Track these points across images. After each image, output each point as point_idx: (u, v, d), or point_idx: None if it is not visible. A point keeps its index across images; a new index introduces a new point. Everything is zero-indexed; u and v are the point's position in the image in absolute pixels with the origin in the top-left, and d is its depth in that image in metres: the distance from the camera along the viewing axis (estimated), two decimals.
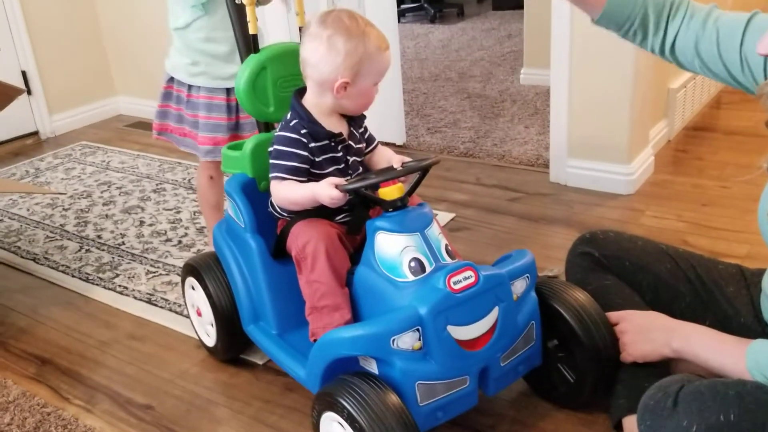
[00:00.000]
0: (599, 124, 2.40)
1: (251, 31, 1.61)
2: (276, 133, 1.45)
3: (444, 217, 2.36)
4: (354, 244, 1.46)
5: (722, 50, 1.22)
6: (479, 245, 2.19)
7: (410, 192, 1.38)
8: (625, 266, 1.49)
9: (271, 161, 1.43)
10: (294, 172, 1.40)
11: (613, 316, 1.38)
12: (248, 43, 1.65)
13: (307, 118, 1.42)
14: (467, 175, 2.69)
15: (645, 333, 1.31)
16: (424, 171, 1.40)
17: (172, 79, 1.97)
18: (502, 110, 3.40)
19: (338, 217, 1.46)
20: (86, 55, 3.68)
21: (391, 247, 1.30)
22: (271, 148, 1.44)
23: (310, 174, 1.42)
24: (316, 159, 1.42)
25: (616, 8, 1.29)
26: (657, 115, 2.71)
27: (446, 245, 1.35)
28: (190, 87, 1.93)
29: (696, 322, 1.32)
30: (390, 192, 1.33)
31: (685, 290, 1.43)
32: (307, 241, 1.38)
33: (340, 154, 1.45)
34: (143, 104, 3.74)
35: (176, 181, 2.82)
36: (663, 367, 1.31)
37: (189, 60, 1.89)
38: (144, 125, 3.64)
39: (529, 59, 3.78)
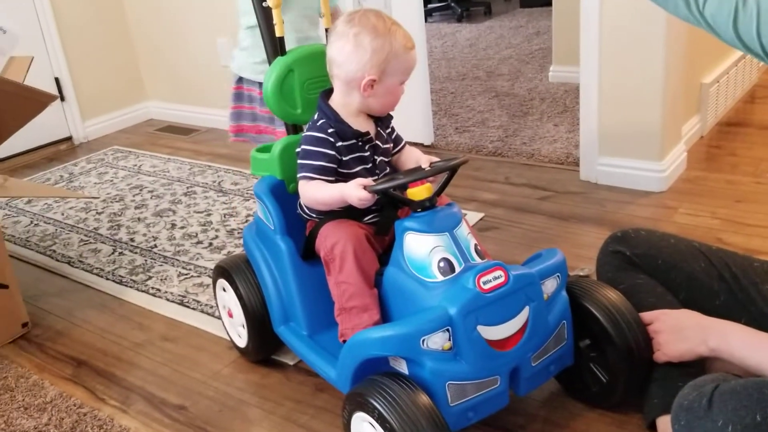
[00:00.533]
0: (630, 121, 2.37)
1: (278, 34, 1.62)
2: (303, 134, 1.46)
3: (473, 216, 2.35)
4: (383, 244, 1.47)
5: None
6: (509, 245, 2.18)
7: (439, 192, 1.38)
8: (657, 265, 1.47)
9: (298, 161, 1.44)
10: (322, 171, 1.41)
11: (646, 315, 1.36)
12: (275, 46, 1.66)
13: (334, 118, 1.42)
14: (496, 175, 2.67)
15: (679, 332, 1.29)
16: (453, 171, 1.40)
17: (240, 80, 2.01)
18: (530, 108, 3.37)
19: (367, 218, 1.46)
20: (117, 62, 3.74)
21: (420, 247, 1.30)
22: (298, 149, 1.45)
23: (337, 174, 1.43)
24: (344, 158, 1.42)
25: None
26: (689, 111, 2.67)
27: (475, 245, 1.35)
28: (260, 84, 1.96)
29: (731, 321, 1.30)
30: (418, 192, 1.33)
31: (720, 289, 1.40)
32: (336, 242, 1.38)
33: (367, 154, 1.45)
34: (173, 108, 3.80)
35: (206, 184, 2.85)
36: (697, 366, 1.29)
37: (259, 59, 1.91)
38: (174, 129, 3.69)
39: (558, 56, 3.75)
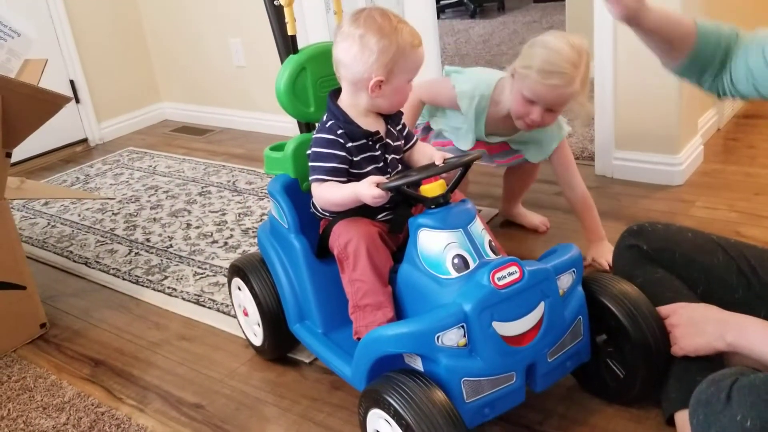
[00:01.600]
0: (646, 115, 2.34)
1: (290, 32, 1.62)
2: (313, 136, 1.45)
3: (488, 212, 2.34)
4: (397, 242, 1.46)
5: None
6: (524, 240, 2.17)
7: (452, 188, 1.37)
8: (674, 258, 1.45)
9: (310, 164, 1.43)
10: (333, 172, 1.40)
11: (663, 309, 1.34)
12: (287, 44, 1.66)
13: (343, 119, 1.42)
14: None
15: (697, 326, 1.28)
16: (466, 167, 1.39)
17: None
18: None
19: (380, 216, 1.46)
20: (132, 63, 3.76)
21: (434, 244, 1.29)
22: (309, 151, 1.45)
23: (349, 174, 1.42)
24: (354, 159, 1.42)
25: (703, 47, 1.31)
26: (706, 104, 2.64)
27: (489, 241, 1.34)
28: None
29: (751, 315, 1.28)
30: (432, 189, 1.32)
31: (738, 282, 1.39)
32: (349, 240, 1.38)
33: (378, 153, 1.44)
34: (187, 109, 3.81)
35: (221, 183, 2.86)
36: (715, 360, 1.28)
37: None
38: (188, 129, 3.70)
39: None
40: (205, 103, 3.73)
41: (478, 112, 1.89)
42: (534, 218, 2.21)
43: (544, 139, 1.95)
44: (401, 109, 1.52)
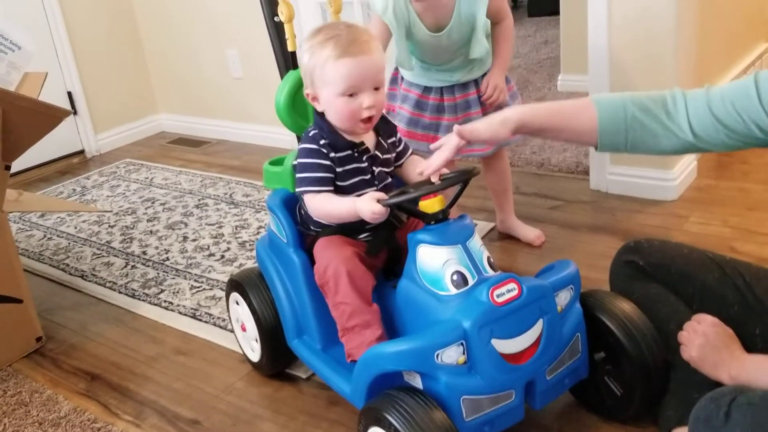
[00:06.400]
0: None
1: (290, 48, 1.64)
2: (299, 146, 1.46)
3: (484, 226, 2.35)
4: (381, 260, 1.47)
5: (742, 112, 1.21)
6: (520, 254, 2.18)
7: (451, 204, 1.38)
8: (670, 274, 1.46)
9: (297, 175, 1.43)
10: (321, 182, 1.40)
11: (697, 316, 1.31)
12: (287, 60, 1.68)
13: (327, 129, 1.42)
14: None
15: (717, 345, 1.26)
16: (465, 182, 1.40)
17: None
18: None
19: (361, 236, 1.46)
20: (129, 75, 3.77)
21: (433, 259, 1.30)
22: (295, 162, 1.45)
23: (334, 185, 1.42)
24: (338, 169, 1.42)
25: (607, 126, 1.30)
26: None
27: (488, 257, 1.35)
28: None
29: (745, 331, 1.29)
30: (431, 205, 1.33)
31: (733, 298, 1.39)
32: (327, 265, 1.39)
33: (364, 165, 1.44)
34: (184, 121, 3.82)
35: (218, 196, 2.86)
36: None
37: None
38: (185, 141, 3.71)
39: (566, 65, 3.75)
40: (202, 114, 3.73)
41: (400, 15, 1.87)
42: (529, 232, 2.23)
43: (472, 17, 1.91)
44: (393, 121, 1.54)
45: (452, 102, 2.02)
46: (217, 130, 3.66)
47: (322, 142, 1.41)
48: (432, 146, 1.41)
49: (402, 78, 2.08)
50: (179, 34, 3.61)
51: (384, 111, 2.14)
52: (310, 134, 1.44)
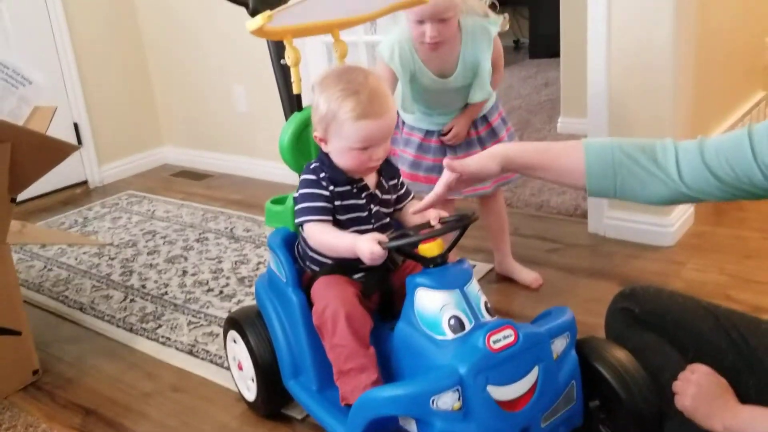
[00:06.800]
0: None
1: (295, 91, 1.66)
2: (300, 178, 1.48)
3: (482, 267, 2.36)
4: (375, 300, 1.48)
5: (735, 166, 1.22)
6: (518, 297, 2.19)
7: (450, 248, 1.39)
8: (665, 323, 1.47)
9: (297, 207, 1.45)
10: (321, 212, 1.42)
11: (691, 366, 1.32)
12: (292, 102, 1.71)
13: (328, 164, 1.45)
14: None
15: (710, 395, 1.26)
16: (464, 227, 1.42)
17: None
18: None
19: (356, 275, 1.48)
20: (136, 107, 3.81)
21: (431, 303, 1.31)
22: (295, 194, 1.47)
23: (334, 216, 1.44)
24: (336, 203, 1.44)
25: (595, 169, 1.30)
26: None
27: (485, 302, 1.36)
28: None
29: (738, 383, 1.29)
30: (430, 249, 1.35)
31: (728, 349, 1.40)
32: (326, 306, 1.40)
33: (362, 202, 1.46)
34: (188, 153, 3.86)
35: (219, 230, 2.88)
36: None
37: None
38: (188, 174, 3.74)
39: (566, 108, 3.80)
40: (206, 148, 3.77)
41: (405, 60, 1.91)
42: (527, 275, 2.24)
43: (476, 64, 1.96)
44: (396, 165, 1.57)
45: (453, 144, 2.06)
46: (220, 164, 3.70)
47: (322, 175, 1.45)
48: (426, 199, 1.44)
49: (403, 122, 2.11)
50: (188, 68, 3.67)
51: None
52: (311, 167, 1.47)
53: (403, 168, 2.07)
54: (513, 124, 3.89)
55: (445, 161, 1.38)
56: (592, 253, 2.42)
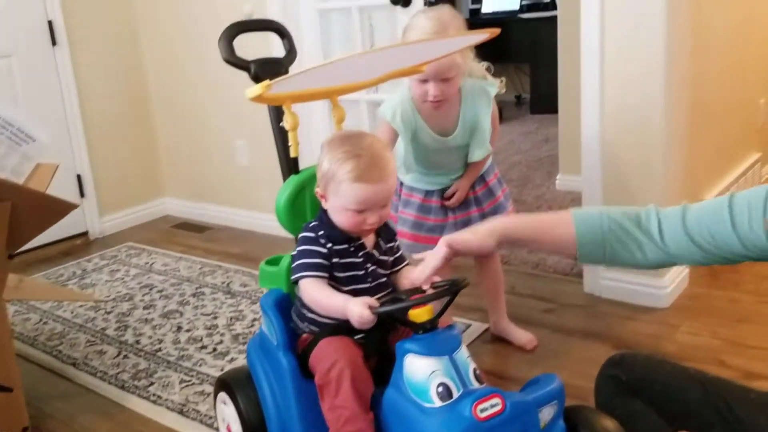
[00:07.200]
0: None
1: (292, 154, 1.70)
2: (298, 237, 1.50)
3: (478, 327, 2.36)
4: (373, 363, 1.48)
5: (716, 236, 1.25)
6: (512, 358, 2.18)
7: (440, 314, 1.40)
8: (653, 391, 1.47)
9: (293, 265, 1.47)
10: (318, 268, 1.44)
11: None
12: (290, 165, 1.73)
13: (326, 222, 1.48)
14: None
15: None
16: (455, 293, 1.43)
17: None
18: None
19: (357, 337, 1.48)
20: (139, 159, 3.86)
21: (420, 370, 1.31)
22: (293, 252, 1.49)
23: (331, 275, 1.46)
24: (333, 261, 1.46)
25: (585, 238, 1.35)
26: None
27: (474, 369, 1.36)
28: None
29: None
30: (420, 314, 1.35)
31: (715, 420, 1.40)
32: (332, 364, 1.39)
33: (360, 260, 1.48)
34: (189, 206, 3.89)
35: (215, 285, 2.89)
36: None
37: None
38: (188, 226, 3.77)
39: (564, 165, 3.84)
40: (207, 200, 3.81)
41: (407, 120, 1.96)
42: (521, 336, 2.24)
43: (475, 123, 2.00)
44: (394, 228, 1.59)
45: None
46: (221, 216, 3.73)
47: (320, 233, 1.47)
48: (415, 256, 1.46)
49: (401, 183, 2.14)
50: (191, 122, 3.73)
51: None
52: (310, 225, 1.50)
53: (404, 229, 2.09)
54: (513, 180, 3.94)
55: (446, 240, 1.40)
56: (588, 313, 2.42)
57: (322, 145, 1.49)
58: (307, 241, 1.47)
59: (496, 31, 1.56)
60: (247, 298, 2.73)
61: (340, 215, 1.46)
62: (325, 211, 1.50)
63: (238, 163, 3.58)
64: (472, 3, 6.76)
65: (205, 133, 3.69)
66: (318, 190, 1.50)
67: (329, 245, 1.46)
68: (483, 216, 2.10)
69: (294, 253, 1.49)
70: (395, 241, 1.59)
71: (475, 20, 6.44)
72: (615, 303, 2.45)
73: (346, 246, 1.47)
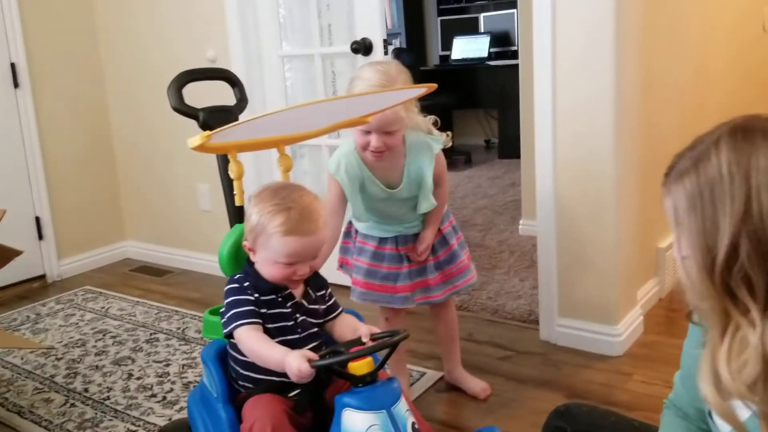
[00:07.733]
0: (585, 284, 2.43)
1: (237, 203, 1.69)
2: (224, 290, 1.49)
3: (432, 375, 2.35)
4: (309, 417, 1.46)
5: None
6: (465, 407, 2.17)
7: (379, 366, 1.39)
8: None
9: (225, 317, 1.44)
10: (251, 314, 1.42)
11: None
12: (235, 213, 1.74)
13: (252, 274, 1.47)
14: (461, 331, 2.65)
15: None
16: (394, 345, 1.42)
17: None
18: (499, 261, 3.45)
19: (292, 393, 1.47)
20: (100, 202, 3.83)
21: (357, 425, 1.30)
22: (222, 310, 1.48)
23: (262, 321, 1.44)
24: (262, 311, 1.45)
25: None
26: (647, 274, 2.74)
27: (413, 423, 1.35)
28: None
29: None
30: (359, 367, 1.35)
31: None
32: (254, 422, 1.38)
33: (288, 311, 1.47)
34: (150, 249, 3.86)
35: (170, 330, 2.85)
36: None
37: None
38: (148, 270, 3.73)
39: (526, 210, 3.88)
40: (168, 244, 3.78)
41: (351, 172, 1.96)
42: (475, 384, 2.23)
43: (420, 177, 2.00)
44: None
45: (407, 251, 2.09)
46: (181, 260, 3.70)
47: (246, 284, 1.46)
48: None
49: (356, 231, 2.14)
50: (154, 165, 3.72)
51: (338, 265, 2.20)
52: (235, 278, 1.49)
53: (358, 277, 2.09)
54: (478, 224, 3.96)
55: None
56: (543, 361, 2.42)
57: (250, 198, 1.49)
58: (234, 291, 1.46)
59: (434, 86, 1.59)
60: (202, 344, 2.69)
61: (270, 268, 1.45)
62: (251, 264, 1.49)
63: (201, 207, 3.57)
64: (442, 50, 6.89)
65: (168, 176, 3.68)
66: (246, 243, 1.49)
67: (256, 295, 1.45)
68: (438, 264, 2.11)
69: (223, 308, 1.48)
70: (326, 288, 1.58)
71: (445, 67, 6.57)
72: (570, 350, 2.45)
73: (273, 296, 1.47)
